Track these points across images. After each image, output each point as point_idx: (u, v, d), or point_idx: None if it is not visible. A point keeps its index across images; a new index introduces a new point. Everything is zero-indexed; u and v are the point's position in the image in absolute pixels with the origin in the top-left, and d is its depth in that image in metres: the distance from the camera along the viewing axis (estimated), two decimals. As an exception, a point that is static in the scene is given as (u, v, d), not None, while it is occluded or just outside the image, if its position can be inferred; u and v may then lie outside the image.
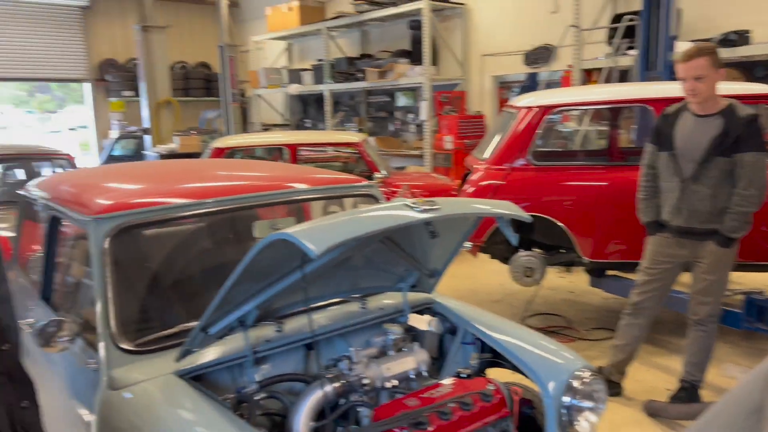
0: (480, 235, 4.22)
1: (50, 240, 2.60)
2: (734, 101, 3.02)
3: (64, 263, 2.69)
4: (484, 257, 4.75)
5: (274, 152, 6.97)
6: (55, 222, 2.57)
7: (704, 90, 2.95)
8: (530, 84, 9.31)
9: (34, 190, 2.91)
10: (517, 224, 4.20)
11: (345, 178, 2.78)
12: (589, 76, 7.77)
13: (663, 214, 3.19)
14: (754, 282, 4.57)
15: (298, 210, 3.18)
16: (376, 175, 6.10)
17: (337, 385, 1.93)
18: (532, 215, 4.14)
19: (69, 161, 5.68)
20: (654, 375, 3.76)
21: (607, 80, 6.83)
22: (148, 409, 1.76)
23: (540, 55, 8.16)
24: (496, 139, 4.34)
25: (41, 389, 2.29)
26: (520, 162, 4.10)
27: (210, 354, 1.95)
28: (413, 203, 1.70)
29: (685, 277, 3.32)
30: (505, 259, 4.38)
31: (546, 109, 4.08)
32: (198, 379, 1.91)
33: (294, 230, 1.52)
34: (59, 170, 5.65)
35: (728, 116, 2.97)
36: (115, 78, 12.30)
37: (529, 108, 4.12)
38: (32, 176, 5.88)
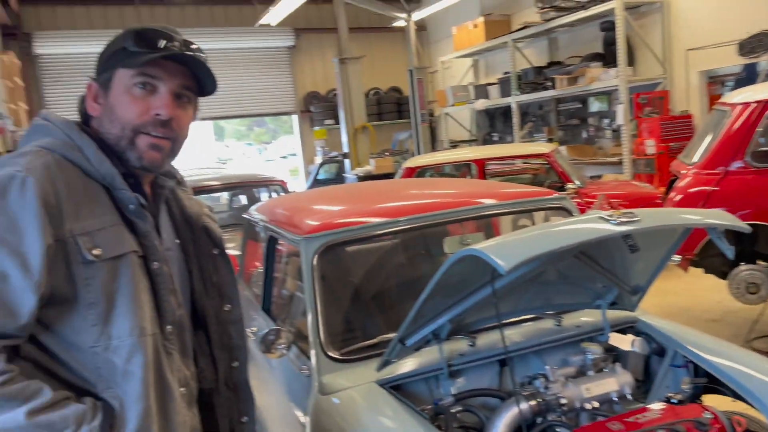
0: (691, 248, 3.84)
1: (269, 257, 2.93)
2: None
3: (281, 278, 3.01)
4: (697, 271, 4.30)
5: (462, 168, 7.07)
6: (272, 241, 2.89)
7: None
8: (748, 75, 8.25)
9: (254, 213, 3.31)
10: (735, 235, 3.76)
11: (534, 191, 2.74)
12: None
13: None
14: None
15: (488, 226, 3.19)
16: (569, 185, 5.86)
17: (533, 403, 1.90)
18: (752, 224, 3.69)
19: (282, 187, 6.35)
20: None
21: None
22: (354, 414, 1.89)
23: (759, 42, 7.20)
24: (707, 140, 3.92)
25: (264, 392, 2.58)
26: (736, 165, 3.66)
27: (407, 365, 2.04)
28: (609, 215, 1.62)
29: None
30: (722, 274, 3.92)
31: (766, 104, 3.60)
32: (396, 388, 2.01)
33: (483, 246, 1.54)
34: (274, 195, 6.34)
35: None
36: (317, 108, 13.48)
37: (746, 104, 3.66)
38: (253, 201, 6.69)
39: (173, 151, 1.32)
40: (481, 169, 6.21)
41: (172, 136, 1.29)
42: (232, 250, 5.25)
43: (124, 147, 1.26)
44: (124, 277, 1.19)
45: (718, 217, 1.73)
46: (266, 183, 6.62)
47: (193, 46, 1.30)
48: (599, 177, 8.39)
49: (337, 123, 12.51)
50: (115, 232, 1.20)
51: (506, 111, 11.23)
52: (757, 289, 3.64)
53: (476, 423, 1.98)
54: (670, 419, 1.81)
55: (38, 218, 1.10)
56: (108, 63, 1.27)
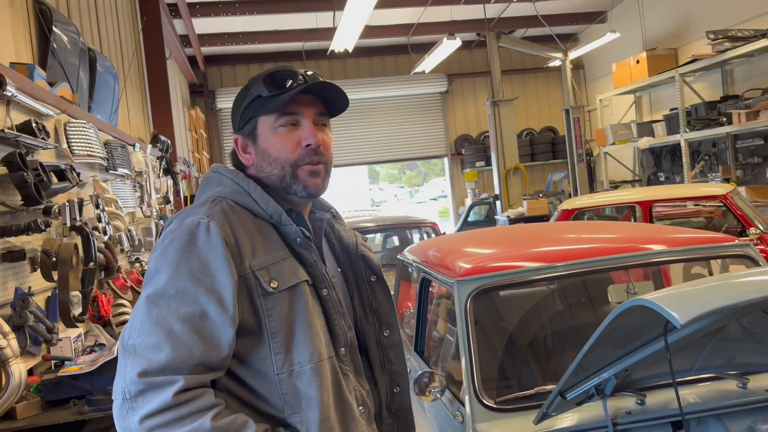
0: None
1: (422, 299, 2.97)
2: None
3: (433, 320, 3.02)
4: None
5: (624, 211, 6.66)
6: (425, 283, 2.93)
7: None
8: None
9: (408, 254, 3.38)
10: None
11: (711, 237, 2.50)
12: None
13: None
14: None
15: (656, 274, 2.96)
16: (751, 230, 5.26)
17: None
18: None
19: (434, 228, 6.43)
20: None
21: None
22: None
23: None
24: None
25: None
26: None
27: (567, 420, 1.93)
28: (807, 267, 1.43)
29: None
30: None
31: None
32: (556, 444, 1.90)
33: (655, 296, 1.43)
34: (426, 236, 6.44)
35: None
36: (468, 151, 13.56)
37: None
38: (405, 242, 6.84)
39: (327, 173, 1.44)
40: (646, 211, 5.79)
41: (324, 160, 1.41)
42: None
43: (289, 182, 1.38)
44: (299, 305, 1.27)
45: None
46: (418, 225, 6.75)
47: (315, 74, 1.41)
48: (788, 221, 7.43)
49: (488, 165, 12.47)
50: (287, 265, 1.29)
51: (674, 149, 10.46)
52: None
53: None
54: None
55: (225, 258, 1.21)
56: (246, 114, 1.40)
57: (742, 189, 8.42)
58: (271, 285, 1.25)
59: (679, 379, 2.02)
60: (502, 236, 3.20)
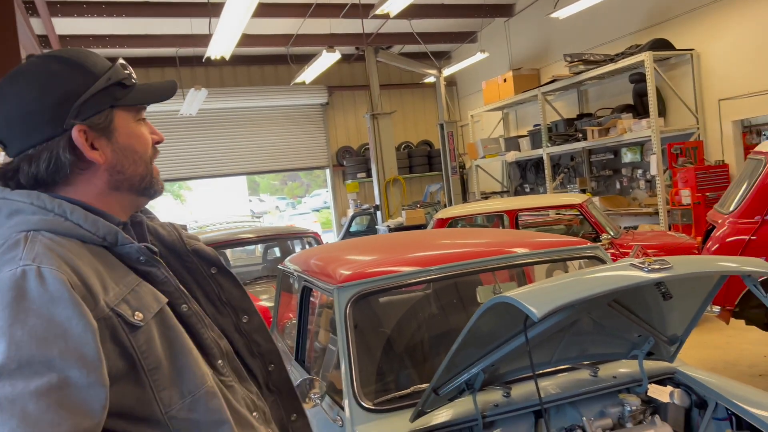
0: (731, 299, 3.74)
1: (302, 307, 2.97)
2: None
3: (314, 328, 3.04)
4: (740, 324, 4.17)
5: (494, 219, 7.08)
6: (306, 291, 2.94)
7: None
8: (784, 124, 8.16)
9: (289, 264, 3.37)
10: (777, 284, 3.65)
11: (567, 241, 2.74)
12: None
13: None
14: None
15: (520, 275, 3.19)
16: (603, 236, 5.81)
17: (570, 455, 1.86)
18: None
19: (315, 238, 6.44)
20: None
21: None
22: (387, 465, 1.88)
23: (792, 90, 7.15)
24: (743, 189, 3.88)
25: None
26: (774, 213, 3.60)
27: (441, 416, 2.03)
28: (641, 262, 1.62)
29: None
30: (765, 326, 3.79)
31: (803, 152, 3.56)
32: (431, 439, 1.99)
33: (515, 293, 1.56)
34: (308, 247, 6.43)
35: None
36: (350, 162, 13.74)
37: (781, 152, 3.63)
38: (286, 253, 6.79)
39: None
40: (513, 219, 6.21)
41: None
42: (266, 302, 5.33)
43: (149, 182, 1.22)
44: (170, 330, 1.12)
45: (753, 265, 1.72)
46: (300, 235, 6.72)
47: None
48: (635, 228, 8.29)
49: (369, 176, 12.71)
50: (144, 290, 1.12)
51: (537, 163, 11.27)
52: (804, 341, 3.51)
53: (512, 476, 1.94)
54: (714, 474, 1.75)
55: (75, 305, 0.98)
56: (97, 102, 1.14)
57: (596, 199, 9.26)
58: (137, 317, 1.06)
59: (540, 372, 2.20)
60: (382, 244, 3.29)
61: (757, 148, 4.07)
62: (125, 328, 1.05)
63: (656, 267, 1.59)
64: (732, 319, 3.93)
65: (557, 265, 3.55)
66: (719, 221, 3.94)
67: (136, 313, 1.07)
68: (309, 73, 10.85)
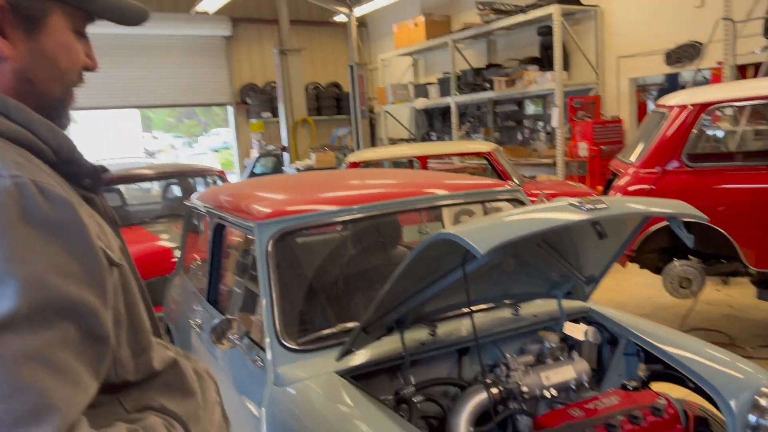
0: (630, 244, 3.97)
1: (215, 247, 2.80)
2: None
3: (229, 268, 2.88)
4: (629, 269, 4.46)
5: (404, 165, 7.07)
6: (219, 229, 2.76)
7: None
8: (670, 86, 8.70)
9: (197, 201, 3.16)
10: (669, 230, 3.92)
11: (489, 183, 2.74)
12: (742, 72, 7.11)
13: None
14: None
15: (440, 217, 3.18)
16: (510, 184, 5.97)
17: (495, 391, 1.88)
18: (687, 222, 3.84)
19: (221, 177, 6.13)
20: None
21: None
22: (312, 405, 1.82)
23: (684, 53, 7.60)
24: (646, 140, 4.08)
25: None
26: (673, 165, 3.82)
27: (368, 355, 1.98)
28: (578, 202, 1.62)
29: None
30: (657, 270, 4.08)
31: (702, 107, 3.77)
32: (357, 378, 1.95)
33: (459, 230, 1.51)
34: (212, 185, 6.11)
35: None
36: (254, 101, 13.17)
37: (683, 106, 3.83)
38: (189, 192, 6.43)
39: None
40: (423, 165, 6.23)
41: None
42: (167, 242, 5.04)
43: (60, 110, 0.97)
44: (125, 276, 0.92)
45: (680, 208, 1.78)
46: (203, 173, 6.39)
47: None
48: (533, 178, 8.63)
49: (275, 116, 12.27)
50: (104, 224, 0.93)
51: (445, 111, 11.35)
52: (689, 284, 3.81)
53: (437, 413, 1.95)
54: (627, 405, 1.84)
55: (88, 231, 0.80)
56: None
57: (500, 148, 9.52)
58: (114, 255, 0.88)
59: (464, 311, 2.21)
60: (296, 183, 3.15)
61: (660, 101, 4.27)
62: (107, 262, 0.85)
63: (593, 207, 1.60)
64: (629, 263, 4.20)
65: (467, 210, 3.60)
66: (622, 170, 4.13)
67: (108, 250, 0.87)
68: (211, 3, 10.14)
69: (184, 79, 12.90)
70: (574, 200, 1.64)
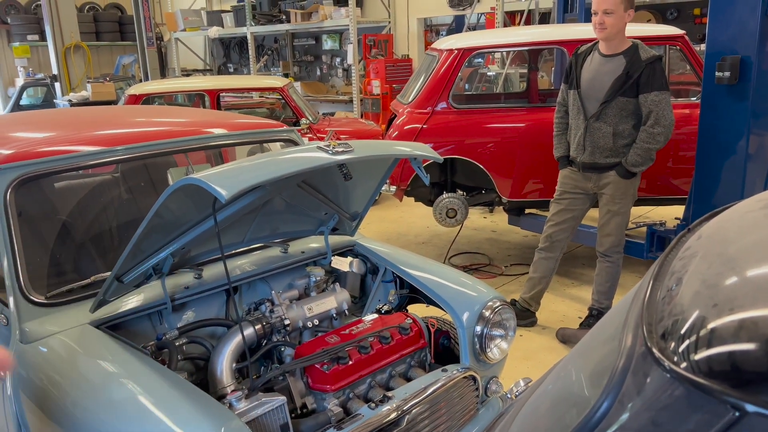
0: (405, 179, 4.28)
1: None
2: (639, 42, 3.14)
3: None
4: (410, 202, 4.83)
5: (194, 99, 6.73)
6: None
7: (612, 25, 3.03)
8: (457, 27, 9.30)
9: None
10: (439, 167, 4.31)
11: (264, 123, 2.74)
12: (512, 19, 7.84)
13: (570, 150, 3.34)
14: (659, 215, 4.90)
15: (217, 157, 3.12)
16: (303, 121, 6.01)
17: (258, 327, 1.97)
18: (453, 158, 4.24)
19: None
20: (567, 305, 4.01)
21: (528, 23, 6.92)
22: (65, 360, 1.74)
23: (465, -3, 8.14)
24: (420, 82, 4.35)
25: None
26: (441, 105, 4.15)
27: (127, 303, 1.93)
28: (327, 145, 1.71)
29: (594, 213, 3.52)
30: (429, 202, 4.48)
31: (466, 52, 4.12)
32: (117, 328, 1.90)
33: (202, 174, 1.51)
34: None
35: (631, 56, 3.09)
36: (17, 20, 11.38)
37: (450, 51, 4.14)
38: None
39: None
40: (214, 100, 5.98)
41: None
42: None
43: None
44: None
45: (418, 149, 1.96)
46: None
47: None
48: (332, 114, 8.78)
49: (44, 39, 10.76)
50: None
51: (242, 42, 10.91)
52: (455, 213, 4.25)
53: (203, 353, 1.99)
54: (378, 327, 2.04)
55: None
56: None
57: (298, 84, 9.46)
58: None
59: (233, 252, 2.24)
60: (59, 119, 2.84)
61: (433, 45, 4.56)
62: None
63: (340, 150, 1.69)
64: (405, 197, 4.54)
65: (255, 149, 3.58)
66: (399, 110, 4.39)
67: None
68: None
69: None
70: (322, 144, 1.72)
